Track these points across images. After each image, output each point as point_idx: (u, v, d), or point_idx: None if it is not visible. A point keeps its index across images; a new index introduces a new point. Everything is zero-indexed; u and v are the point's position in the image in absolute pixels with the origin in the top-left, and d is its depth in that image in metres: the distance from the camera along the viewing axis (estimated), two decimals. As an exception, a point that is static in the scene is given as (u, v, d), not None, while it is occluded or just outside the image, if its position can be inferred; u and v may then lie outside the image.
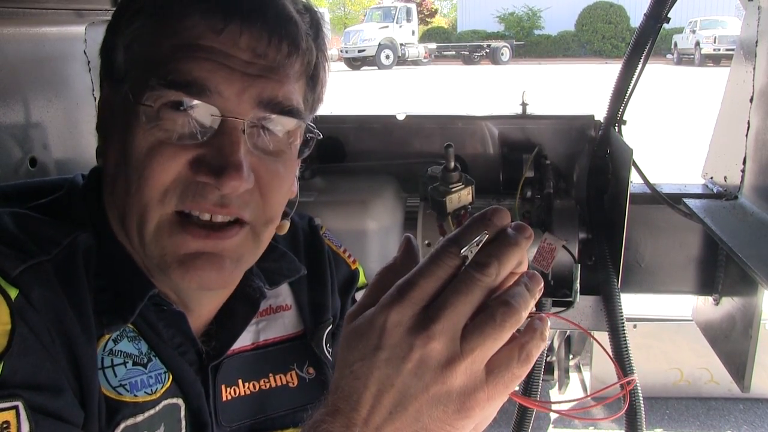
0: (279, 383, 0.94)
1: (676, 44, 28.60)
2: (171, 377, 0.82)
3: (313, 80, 0.85)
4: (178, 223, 0.76)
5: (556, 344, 2.67)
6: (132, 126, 0.75)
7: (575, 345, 3.08)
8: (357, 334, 0.58)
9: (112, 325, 0.78)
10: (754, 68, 1.77)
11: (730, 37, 22.32)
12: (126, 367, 0.79)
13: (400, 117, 2.02)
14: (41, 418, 0.65)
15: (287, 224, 0.92)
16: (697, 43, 26.31)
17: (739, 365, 1.76)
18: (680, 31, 27.39)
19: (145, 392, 0.79)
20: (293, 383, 0.96)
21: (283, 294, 1.00)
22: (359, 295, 1.11)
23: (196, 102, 0.74)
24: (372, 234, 1.82)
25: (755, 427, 3.25)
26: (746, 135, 1.78)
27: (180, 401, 0.83)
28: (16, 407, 0.63)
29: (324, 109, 0.94)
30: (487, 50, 31.55)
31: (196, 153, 0.74)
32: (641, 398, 1.67)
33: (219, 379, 0.88)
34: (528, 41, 36.36)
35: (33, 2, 1.56)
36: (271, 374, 0.94)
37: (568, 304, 1.71)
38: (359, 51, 29.35)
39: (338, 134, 2.06)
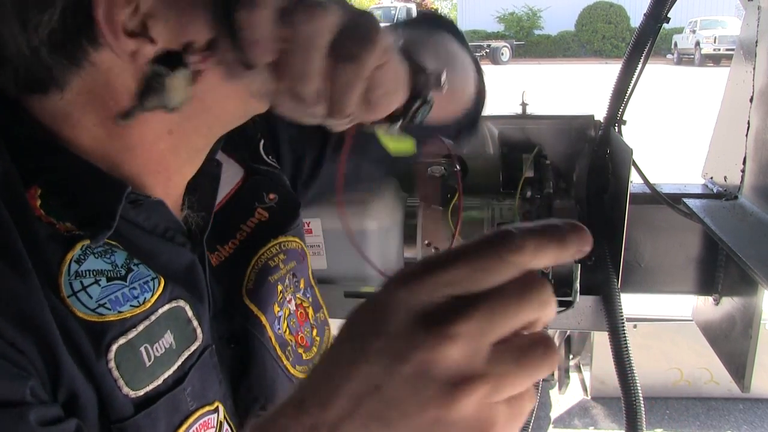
0: (253, 225, 0.92)
1: (676, 44, 28.60)
2: (162, 282, 0.73)
3: None
4: None
5: (556, 344, 2.66)
6: None
7: (575, 345, 3.08)
8: (358, 311, 0.44)
9: (98, 236, 0.68)
10: (754, 68, 1.77)
11: (730, 37, 22.30)
12: (100, 285, 0.68)
13: (400, 117, 2.02)
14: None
15: None
16: (697, 43, 26.30)
17: (739, 365, 1.76)
18: (680, 31, 27.40)
19: (130, 305, 0.70)
20: (264, 216, 0.93)
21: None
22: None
23: None
24: (372, 234, 1.82)
25: (755, 427, 3.25)
26: (746, 135, 1.78)
27: (182, 302, 0.75)
28: None
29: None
30: (487, 50, 31.53)
31: None
32: (641, 398, 1.67)
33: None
34: (528, 41, 36.36)
35: (33, 2, 1.56)
36: (241, 225, 0.90)
37: (568, 304, 1.71)
38: (359, 51, 29.32)
39: (338, 134, 2.06)
